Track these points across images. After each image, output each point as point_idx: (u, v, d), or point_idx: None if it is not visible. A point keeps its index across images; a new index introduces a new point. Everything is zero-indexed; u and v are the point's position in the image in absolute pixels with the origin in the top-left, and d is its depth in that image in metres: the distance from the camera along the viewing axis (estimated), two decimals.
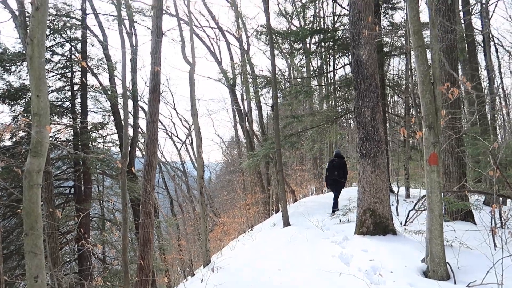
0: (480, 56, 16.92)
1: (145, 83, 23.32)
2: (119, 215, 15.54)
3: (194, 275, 9.13)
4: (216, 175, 41.05)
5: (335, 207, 10.00)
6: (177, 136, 28.75)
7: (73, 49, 14.04)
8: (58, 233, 11.29)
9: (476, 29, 16.08)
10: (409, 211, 6.69)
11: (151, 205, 7.14)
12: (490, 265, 3.90)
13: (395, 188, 12.23)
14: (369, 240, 5.55)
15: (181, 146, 27.77)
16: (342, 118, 14.73)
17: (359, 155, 6.08)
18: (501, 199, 8.70)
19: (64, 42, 13.90)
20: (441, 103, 4.01)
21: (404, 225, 6.67)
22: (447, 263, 3.93)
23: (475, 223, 7.47)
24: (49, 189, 9.88)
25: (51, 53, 13.46)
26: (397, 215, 8.23)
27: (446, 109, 4.54)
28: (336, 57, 15.13)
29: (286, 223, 9.85)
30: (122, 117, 15.11)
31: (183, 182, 28.56)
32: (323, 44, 13.69)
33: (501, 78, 24.78)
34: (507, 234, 4.54)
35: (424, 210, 6.51)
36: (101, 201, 15.17)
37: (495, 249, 4.46)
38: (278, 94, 14.35)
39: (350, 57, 7.09)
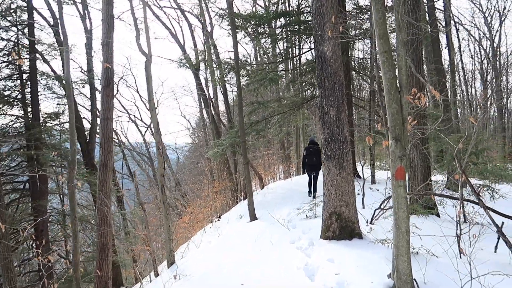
0: (441, 35, 17.03)
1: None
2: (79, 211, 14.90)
3: (159, 274, 8.82)
4: (184, 157, 40.40)
5: (314, 191, 10.42)
6: (141, 120, 27.73)
7: (20, 33, 12.98)
8: (10, 234, 10.63)
9: (438, 8, 16.06)
10: (375, 210, 6.58)
11: (108, 211, 6.70)
12: (457, 279, 3.80)
13: (360, 171, 12.17)
14: (335, 245, 5.39)
15: (145, 131, 26.80)
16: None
17: (324, 156, 5.86)
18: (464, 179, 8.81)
19: (10, 26, 12.82)
20: (407, 113, 3.78)
21: (370, 223, 6.57)
22: (414, 279, 3.80)
23: (438, 216, 7.53)
24: None
25: None
26: (363, 207, 8.14)
27: (412, 109, 4.33)
28: (303, 38, 14.74)
29: (253, 217, 9.68)
30: (78, 104, 14.28)
31: (148, 166, 27.77)
32: (288, 28, 13.26)
33: (461, 57, 25.32)
34: (472, 237, 4.47)
35: (389, 208, 6.43)
36: (61, 195, 14.45)
37: (460, 257, 4.39)
38: (244, 79, 13.89)
39: (314, 52, 6.77)
